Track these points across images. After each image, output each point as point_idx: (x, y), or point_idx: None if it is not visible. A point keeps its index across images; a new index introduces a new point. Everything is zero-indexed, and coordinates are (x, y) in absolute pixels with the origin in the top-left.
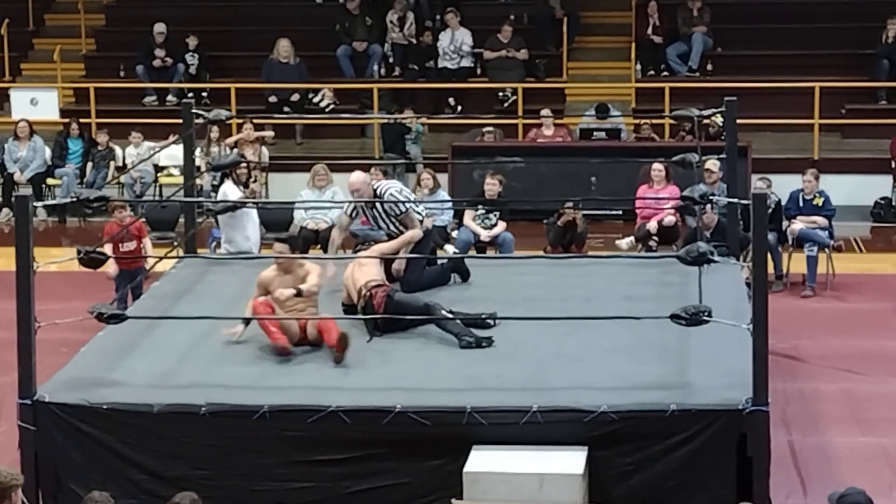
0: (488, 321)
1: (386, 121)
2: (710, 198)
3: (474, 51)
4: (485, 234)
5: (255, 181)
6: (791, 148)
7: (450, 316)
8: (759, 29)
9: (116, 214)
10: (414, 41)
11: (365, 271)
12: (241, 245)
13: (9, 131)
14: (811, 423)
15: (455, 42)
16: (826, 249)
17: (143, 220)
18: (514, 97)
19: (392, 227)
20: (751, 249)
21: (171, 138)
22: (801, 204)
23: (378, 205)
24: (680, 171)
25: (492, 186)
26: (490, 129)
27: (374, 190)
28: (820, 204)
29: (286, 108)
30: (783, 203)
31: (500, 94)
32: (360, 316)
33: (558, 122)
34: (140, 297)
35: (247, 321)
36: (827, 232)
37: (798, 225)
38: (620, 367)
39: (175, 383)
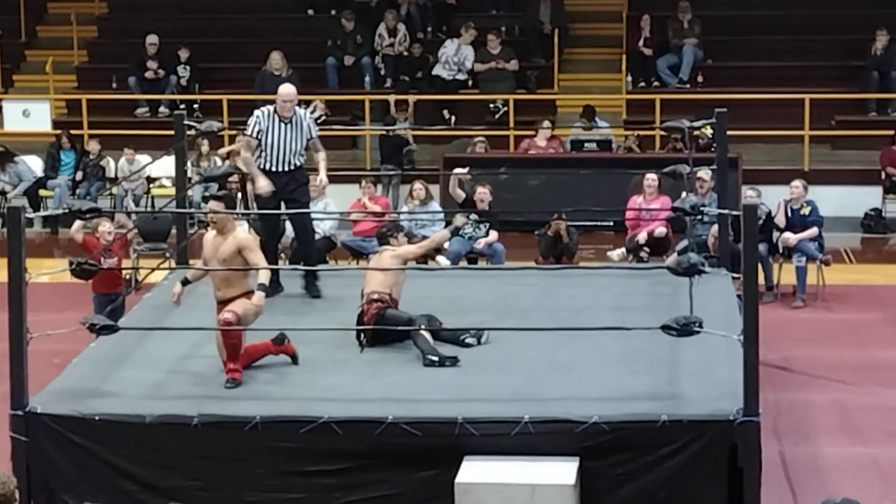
0: (468, 341)
1: (381, 132)
2: (702, 209)
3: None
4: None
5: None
6: (781, 159)
7: (423, 332)
8: (750, 41)
9: (101, 229)
10: (405, 53)
11: (377, 279)
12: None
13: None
14: (802, 433)
15: (459, 55)
16: (816, 261)
17: (135, 230)
18: (505, 108)
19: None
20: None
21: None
22: (789, 214)
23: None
24: (670, 182)
25: (483, 195)
26: (482, 139)
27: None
28: (807, 213)
29: None
30: (773, 214)
31: (491, 105)
32: (344, 327)
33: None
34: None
35: (185, 282)
36: (816, 243)
37: (790, 235)
38: (611, 377)
39: (167, 394)
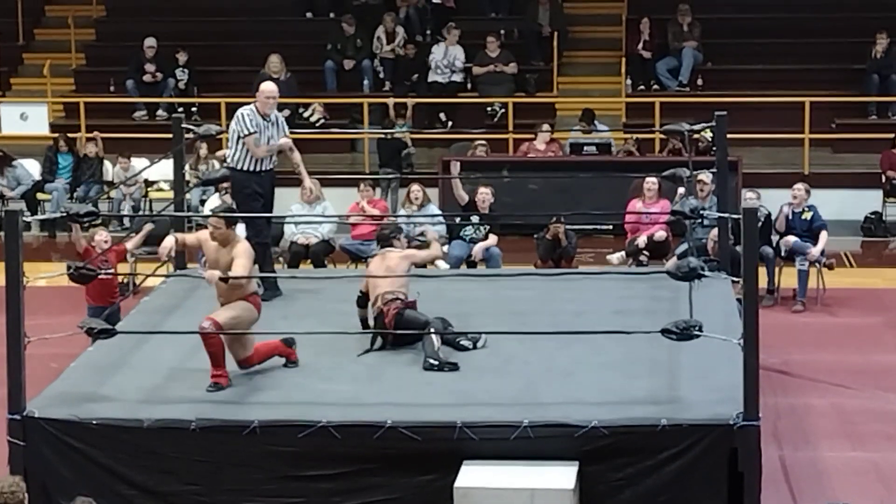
0: (463, 343)
1: (380, 135)
2: (701, 212)
3: (465, 66)
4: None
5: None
6: (781, 162)
7: (433, 335)
8: (750, 44)
9: (97, 238)
10: (401, 55)
11: (389, 280)
12: None
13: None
14: (802, 437)
15: (448, 57)
16: (816, 264)
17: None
18: (503, 110)
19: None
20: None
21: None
22: (790, 217)
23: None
24: (670, 186)
25: (485, 196)
26: (482, 143)
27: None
28: (809, 218)
29: None
30: (773, 217)
31: (489, 108)
32: (362, 331)
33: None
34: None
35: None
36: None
37: (792, 238)
38: (611, 381)
39: (165, 398)
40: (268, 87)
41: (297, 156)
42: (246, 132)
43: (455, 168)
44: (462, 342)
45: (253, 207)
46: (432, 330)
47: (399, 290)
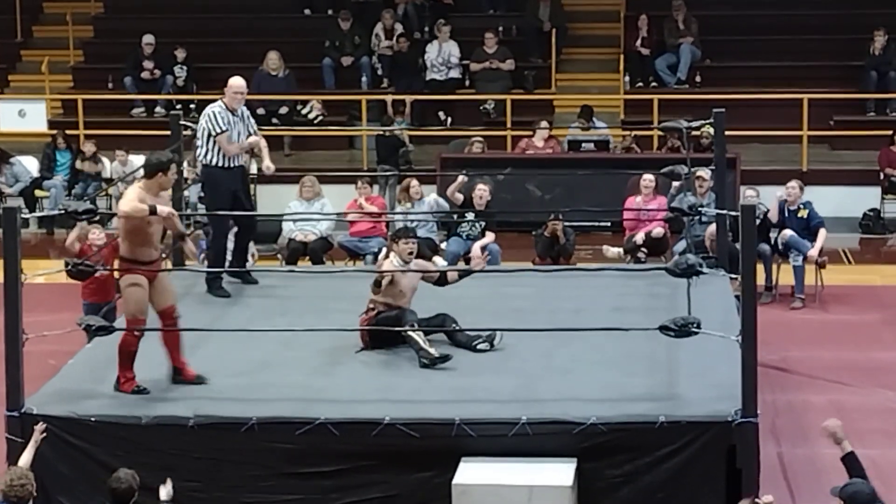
0: (480, 347)
1: (378, 132)
2: (699, 209)
3: (462, 62)
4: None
5: None
6: (779, 159)
7: (412, 333)
8: (748, 41)
9: (91, 236)
10: (397, 50)
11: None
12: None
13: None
14: (800, 434)
15: (442, 54)
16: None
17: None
18: (492, 105)
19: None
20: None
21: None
22: (786, 214)
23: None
24: (668, 183)
25: (482, 192)
26: (479, 140)
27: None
28: (805, 216)
29: (274, 120)
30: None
31: (481, 107)
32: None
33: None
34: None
35: None
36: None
37: (789, 232)
38: (609, 378)
39: (163, 396)
40: (236, 82)
41: (262, 142)
42: (218, 130)
43: (461, 179)
44: (479, 346)
45: (224, 205)
46: (413, 326)
47: (380, 299)
